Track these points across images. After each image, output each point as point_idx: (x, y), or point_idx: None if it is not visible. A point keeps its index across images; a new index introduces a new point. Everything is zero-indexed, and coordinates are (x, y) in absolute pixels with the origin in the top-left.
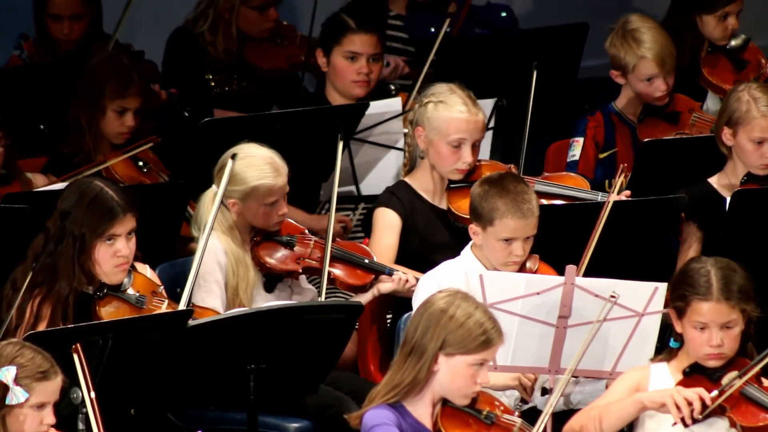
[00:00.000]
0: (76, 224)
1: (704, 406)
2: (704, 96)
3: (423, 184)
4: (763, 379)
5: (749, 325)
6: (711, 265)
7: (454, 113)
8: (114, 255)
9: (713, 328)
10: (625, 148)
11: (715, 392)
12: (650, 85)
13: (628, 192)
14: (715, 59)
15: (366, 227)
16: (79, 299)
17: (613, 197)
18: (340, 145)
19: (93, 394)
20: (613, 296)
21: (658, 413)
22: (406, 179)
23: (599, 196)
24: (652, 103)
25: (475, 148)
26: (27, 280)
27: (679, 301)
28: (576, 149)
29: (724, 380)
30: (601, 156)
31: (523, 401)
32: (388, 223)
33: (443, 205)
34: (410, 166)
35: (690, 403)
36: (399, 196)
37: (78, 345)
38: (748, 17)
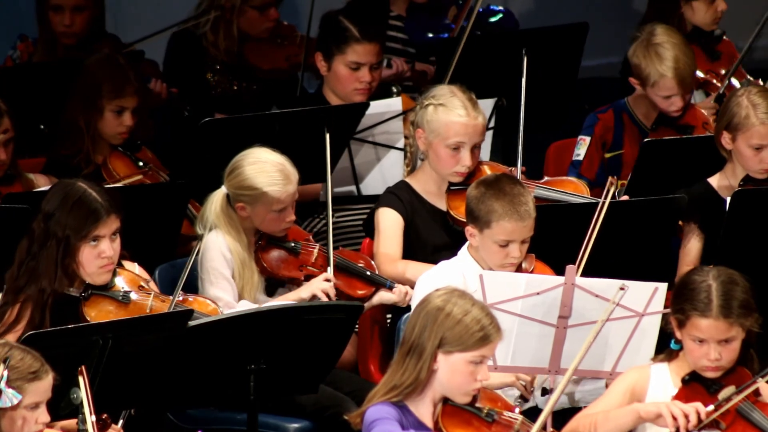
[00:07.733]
0: (59, 226)
1: (699, 419)
2: None
3: (424, 185)
4: (764, 385)
5: (750, 333)
6: (712, 278)
7: (453, 117)
8: (98, 256)
9: (711, 343)
10: (632, 150)
11: (711, 407)
12: (667, 100)
13: (626, 196)
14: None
15: (367, 228)
16: (63, 301)
17: (608, 201)
18: (327, 137)
19: (93, 418)
20: (622, 288)
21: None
22: (407, 180)
23: (598, 202)
24: (667, 114)
25: (475, 151)
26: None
27: (678, 313)
28: (582, 148)
29: (721, 395)
30: (607, 156)
31: (524, 399)
32: (391, 223)
33: (444, 207)
34: (412, 166)
35: (686, 415)
36: (400, 196)
37: (83, 368)
38: (742, 18)
